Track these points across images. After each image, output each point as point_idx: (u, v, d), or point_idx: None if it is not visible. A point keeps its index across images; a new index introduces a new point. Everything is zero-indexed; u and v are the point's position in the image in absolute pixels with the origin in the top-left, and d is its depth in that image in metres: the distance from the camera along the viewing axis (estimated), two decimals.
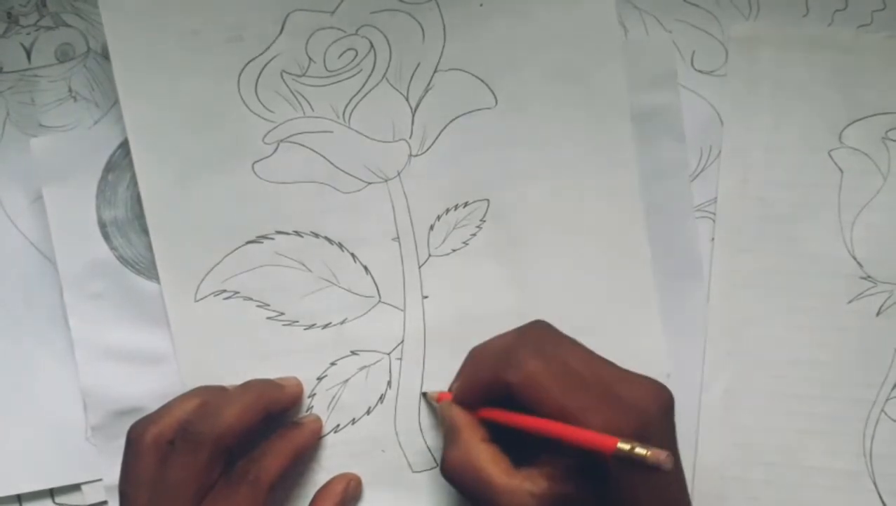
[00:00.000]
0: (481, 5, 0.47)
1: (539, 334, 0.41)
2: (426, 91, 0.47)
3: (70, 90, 0.49)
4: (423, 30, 0.47)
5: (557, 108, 0.47)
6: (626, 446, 0.34)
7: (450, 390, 0.44)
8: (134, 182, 0.47)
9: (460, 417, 0.42)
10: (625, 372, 0.39)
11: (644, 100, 0.48)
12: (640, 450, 0.34)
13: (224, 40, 0.47)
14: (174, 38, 0.47)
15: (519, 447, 0.40)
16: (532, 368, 0.39)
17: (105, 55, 0.49)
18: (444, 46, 0.47)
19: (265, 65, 0.47)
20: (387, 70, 0.47)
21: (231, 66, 0.47)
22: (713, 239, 0.48)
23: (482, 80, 0.47)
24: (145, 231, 0.47)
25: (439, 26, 0.47)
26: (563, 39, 0.47)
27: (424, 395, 0.47)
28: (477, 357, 0.43)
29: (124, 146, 0.48)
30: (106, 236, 0.48)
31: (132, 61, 0.47)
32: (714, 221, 0.48)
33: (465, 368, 0.43)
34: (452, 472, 0.40)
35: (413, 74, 0.47)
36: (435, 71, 0.47)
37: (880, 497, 0.46)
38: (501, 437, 0.41)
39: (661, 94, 0.48)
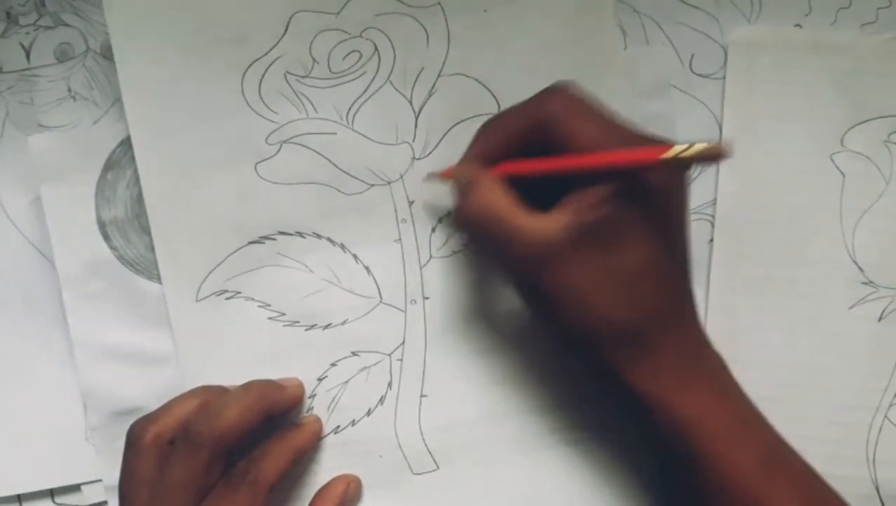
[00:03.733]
0: (485, 11, 0.47)
1: (568, 82, 0.41)
2: (430, 95, 0.47)
3: (69, 90, 0.49)
4: (427, 34, 0.47)
5: None
6: (682, 146, 0.34)
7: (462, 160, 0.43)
8: (134, 181, 0.47)
9: (478, 170, 0.41)
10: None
11: (640, 107, 0.48)
12: (699, 145, 0.34)
13: (228, 40, 0.46)
14: (178, 38, 0.46)
15: (538, 203, 0.39)
16: (573, 99, 0.39)
17: (104, 55, 0.49)
18: (448, 51, 0.47)
19: (269, 65, 0.47)
20: (391, 73, 0.47)
21: (235, 66, 0.47)
22: (711, 241, 0.48)
23: (485, 86, 0.47)
24: (145, 231, 0.47)
25: (444, 31, 0.47)
26: (563, 46, 0.47)
27: (429, 176, 0.46)
28: (500, 115, 0.42)
29: (124, 145, 0.47)
30: (105, 236, 0.48)
31: (135, 60, 0.46)
32: (712, 223, 0.48)
33: (482, 131, 0.42)
34: (470, 218, 0.39)
35: (417, 78, 0.47)
36: (439, 75, 0.47)
37: (883, 504, 0.47)
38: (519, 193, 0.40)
39: (656, 103, 0.48)
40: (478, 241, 0.40)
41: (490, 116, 0.42)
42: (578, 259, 0.38)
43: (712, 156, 0.34)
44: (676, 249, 0.40)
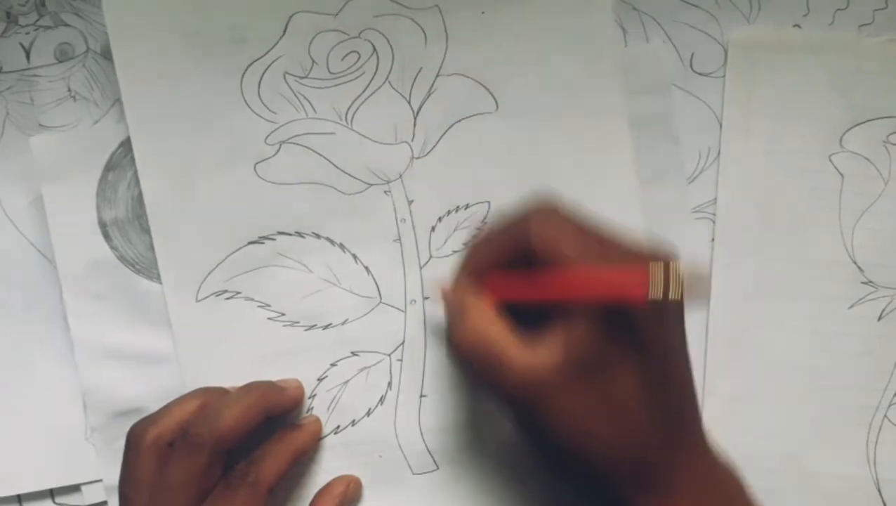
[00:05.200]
0: (483, 13, 0.47)
1: (551, 196, 0.40)
2: (428, 95, 0.47)
3: (69, 90, 0.49)
4: (425, 35, 0.47)
5: (557, 112, 0.47)
6: (658, 266, 0.33)
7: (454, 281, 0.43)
8: (134, 181, 0.47)
9: (470, 295, 0.40)
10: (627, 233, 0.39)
11: (639, 105, 0.48)
12: (677, 266, 0.33)
13: (227, 41, 0.47)
14: (177, 38, 0.46)
15: (530, 324, 0.38)
16: (555, 217, 0.38)
17: (104, 55, 0.49)
18: (446, 51, 0.47)
19: (268, 66, 0.47)
20: (389, 73, 0.47)
21: (234, 66, 0.47)
22: (713, 240, 0.48)
23: (483, 85, 0.47)
24: (146, 231, 0.47)
25: (441, 32, 0.47)
26: (562, 45, 0.47)
27: (423, 282, 0.46)
28: (486, 236, 0.41)
29: (124, 145, 0.47)
30: (106, 236, 0.48)
31: (135, 61, 0.46)
32: (713, 221, 0.48)
33: (470, 252, 0.41)
34: (462, 348, 0.38)
35: (415, 78, 0.47)
36: (437, 75, 0.47)
37: (884, 504, 0.47)
38: (511, 314, 0.39)
39: (655, 101, 0.48)
40: (469, 372, 0.39)
41: (478, 234, 0.42)
42: (570, 394, 0.37)
43: (697, 283, 0.34)
44: (672, 375, 0.38)
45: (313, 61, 0.47)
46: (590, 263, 0.36)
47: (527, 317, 0.38)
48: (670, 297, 0.34)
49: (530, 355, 0.37)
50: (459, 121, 0.47)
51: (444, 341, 0.39)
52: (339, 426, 0.47)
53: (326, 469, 0.47)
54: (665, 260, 0.34)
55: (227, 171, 0.47)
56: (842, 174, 0.48)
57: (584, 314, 0.36)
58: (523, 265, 0.38)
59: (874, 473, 0.47)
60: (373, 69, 0.47)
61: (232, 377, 0.46)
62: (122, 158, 0.48)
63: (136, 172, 0.47)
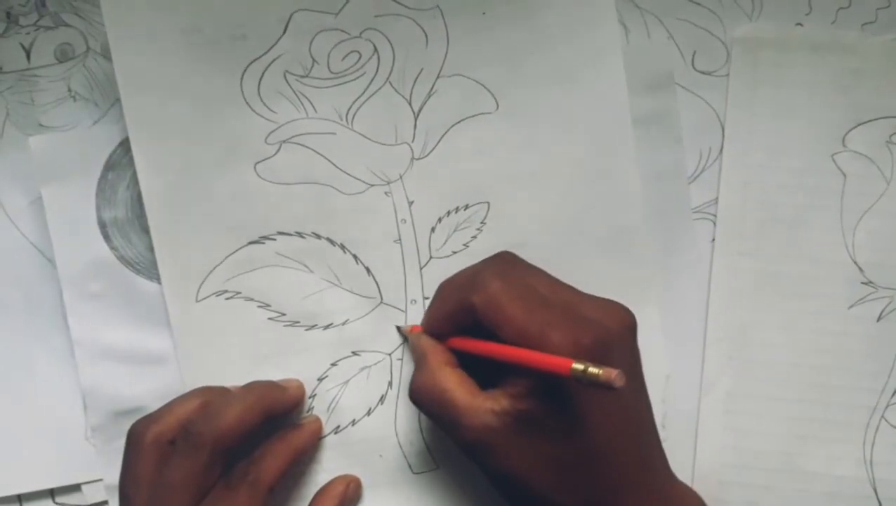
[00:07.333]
0: (484, 13, 0.47)
1: (504, 261, 0.43)
2: (429, 95, 0.47)
3: (69, 90, 0.49)
4: (426, 35, 0.47)
5: (558, 112, 0.47)
6: (579, 367, 0.35)
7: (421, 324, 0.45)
8: (134, 181, 0.47)
9: (427, 344, 0.43)
10: (587, 295, 0.41)
11: (642, 104, 0.48)
12: (592, 370, 0.34)
13: (227, 39, 0.46)
14: (177, 37, 0.46)
15: (487, 373, 0.40)
16: (495, 288, 0.40)
17: (104, 55, 0.49)
18: (447, 52, 0.47)
19: (268, 65, 0.47)
20: (390, 74, 0.47)
21: (234, 65, 0.47)
22: (713, 240, 0.48)
23: (484, 86, 0.47)
24: (146, 231, 0.47)
25: (442, 32, 0.47)
26: (563, 45, 0.47)
27: (398, 329, 0.47)
28: (444, 287, 0.44)
29: (124, 145, 0.47)
30: (106, 236, 0.48)
31: (134, 60, 0.46)
32: (714, 222, 0.48)
33: (433, 300, 0.44)
34: (419, 395, 0.42)
35: (416, 79, 0.47)
36: (438, 76, 0.47)
37: (880, 504, 0.47)
38: (470, 364, 0.42)
39: (658, 99, 0.48)
40: (429, 417, 0.42)
41: (444, 281, 0.44)
42: (516, 446, 0.39)
43: (607, 382, 0.34)
44: (604, 444, 0.39)
45: (314, 61, 0.47)
46: (530, 336, 0.38)
47: (485, 368, 0.40)
48: (589, 371, 0.35)
49: (479, 402, 0.39)
50: (460, 121, 0.47)
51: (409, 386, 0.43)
52: (339, 426, 0.47)
53: (326, 469, 0.47)
54: (585, 364, 0.35)
55: (227, 171, 0.47)
56: (844, 174, 0.48)
57: (531, 374, 0.38)
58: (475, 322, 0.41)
59: (870, 473, 0.47)
60: (373, 69, 0.47)
61: (232, 377, 0.46)
62: (122, 158, 0.48)
63: (136, 172, 0.47)
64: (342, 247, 0.47)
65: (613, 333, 0.39)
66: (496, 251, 0.46)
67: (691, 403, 0.48)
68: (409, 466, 0.47)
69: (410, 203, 0.47)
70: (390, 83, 0.47)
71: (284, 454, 0.44)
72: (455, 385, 0.40)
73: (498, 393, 0.39)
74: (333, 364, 0.47)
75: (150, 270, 0.48)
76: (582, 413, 0.38)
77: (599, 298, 0.41)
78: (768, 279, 0.47)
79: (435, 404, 0.41)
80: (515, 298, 0.39)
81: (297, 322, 0.47)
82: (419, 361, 0.43)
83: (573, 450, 0.39)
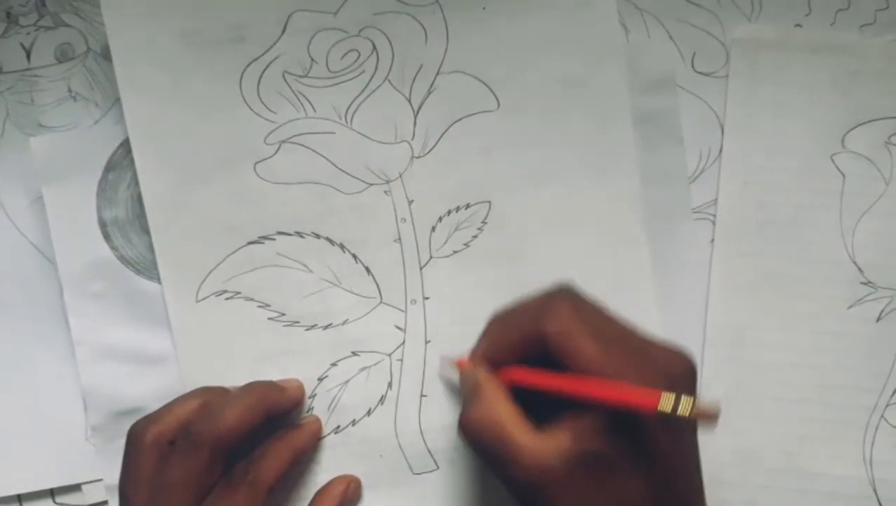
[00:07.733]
0: (484, 8, 0.47)
1: (570, 291, 0.41)
2: (428, 93, 0.47)
3: (70, 90, 0.49)
4: (425, 32, 0.47)
5: (559, 111, 0.47)
6: (668, 400, 0.34)
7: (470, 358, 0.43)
8: (134, 182, 0.47)
9: (483, 376, 0.41)
10: (650, 336, 0.39)
11: (643, 104, 0.48)
12: (684, 402, 0.34)
13: (226, 40, 0.47)
14: (176, 38, 0.46)
15: (539, 410, 0.38)
16: (570, 318, 0.38)
17: (105, 55, 0.49)
18: (446, 49, 0.47)
19: (267, 65, 0.47)
20: (389, 72, 0.47)
21: (233, 66, 0.47)
22: (713, 241, 0.48)
23: (484, 83, 0.47)
24: (146, 231, 0.47)
25: (442, 29, 0.47)
26: (564, 43, 0.47)
27: (442, 359, 0.46)
28: (505, 316, 0.42)
29: (124, 146, 0.47)
30: (106, 236, 0.48)
31: (133, 60, 0.46)
32: (713, 222, 0.48)
33: (490, 329, 0.42)
34: (472, 429, 0.39)
35: (415, 76, 0.47)
36: (437, 73, 0.47)
37: (880, 504, 0.47)
38: (521, 399, 0.39)
39: (659, 99, 0.48)
40: (479, 453, 0.39)
41: (499, 310, 0.42)
42: (574, 488, 0.37)
43: (706, 415, 0.34)
44: (678, 488, 0.38)
45: (313, 60, 0.47)
46: (605, 372, 0.37)
47: (538, 403, 0.38)
48: (679, 413, 0.34)
49: (539, 442, 0.37)
50: (460, 119, 0.47)
51: (458, 420, 0.40)
52: (339, 426, 0.47)
53: (326, 469, 0.47)
54: (678, 393, 0.34)
55: (226, 171, 0.47)
56: (843, 174, 0.48)
57: (595, 410, 0.36)
58: (538, 354, 0.39)
59: (870, 473, 0.47)
60: (372, 68, 0.47)
61: (232, 377, 0.46)
62: (122, 158, 0.48)
63: (136, 173, 0.47)
64: (342, 246, 0.47)
65: (682, 381, 0.37)
66: (497, 251, 0.46)
67: None
68: (409, 466, 0.47)
69: (410, 202, 0.47)
70: (389, 81, 0.47)
71: (284, 454, 0.44)
72: (514, 421, 0.38)
73: (559, 432, 0.37)
74: (333, 364, 0.47)
75: (150, 270, 0.48)
76: (657, 451, 0.37)
77: (663, 341, 0.39)
78: (768, 279, 0.47)
79: (490, 440, 0.38)
80: (590, 331, 0.38)
81: (297, 322, 0.47)
82: (472, 392, 0.40)
83: (645, 489, 0.37)
